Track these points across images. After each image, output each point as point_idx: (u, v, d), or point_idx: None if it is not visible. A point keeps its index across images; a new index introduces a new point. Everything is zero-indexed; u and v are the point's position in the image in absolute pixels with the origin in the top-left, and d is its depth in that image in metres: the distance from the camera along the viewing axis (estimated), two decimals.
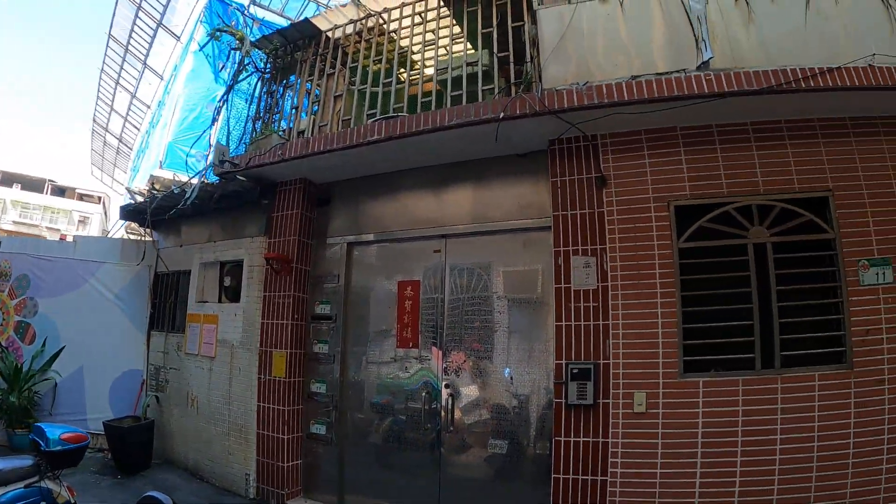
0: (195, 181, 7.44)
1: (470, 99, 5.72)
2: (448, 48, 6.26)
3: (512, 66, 5.70)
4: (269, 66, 7.71)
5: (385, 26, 6.71)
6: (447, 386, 5.63)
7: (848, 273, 4.53)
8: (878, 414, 4.34)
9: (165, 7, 12.86)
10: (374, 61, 6.57)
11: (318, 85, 6.96)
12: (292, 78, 7.47)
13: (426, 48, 6.44)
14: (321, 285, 6.60)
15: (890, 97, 4.49)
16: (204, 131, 8.92)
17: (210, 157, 7.84)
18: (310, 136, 6.49)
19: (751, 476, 4.41)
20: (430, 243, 6.03)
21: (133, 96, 16.57)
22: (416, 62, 6.36)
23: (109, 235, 17.24)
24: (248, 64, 7.76)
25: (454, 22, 6.40)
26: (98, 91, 17.44)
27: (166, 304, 8.39)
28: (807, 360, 4.51)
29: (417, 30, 6.56)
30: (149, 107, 15.91)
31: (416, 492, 5.68)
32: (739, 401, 4.47)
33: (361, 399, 6.21)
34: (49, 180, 47.65)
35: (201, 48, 10.89)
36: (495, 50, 5.85)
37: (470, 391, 5.63)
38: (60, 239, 16.97)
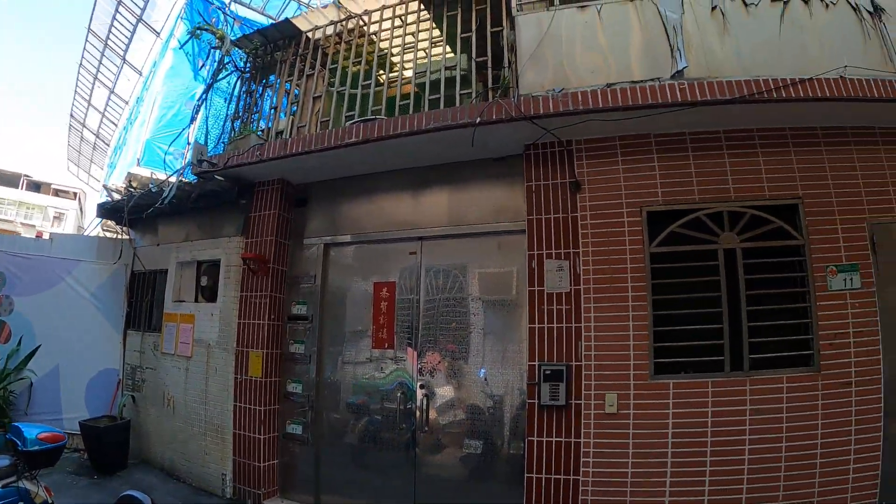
0: (173, 180, 7.40)
1: (448, 103, 5.77)
2: (427, 51, 6.29)
3: (490, 70, 5.75)
4: (248, 65, 7.68)
5: (365, 28, 6.73)
6: (422, 386, 5.68)
7: (816, 278, 4.65)
8: (844, 415, 4.47)
9: (146, 2, 12.77)
10: (353, 63, 6.59)
11: (298, 85, 6.97)
12: (272, 78, 7.46)
13: (405, 51, 6.47)
14: (298, 286, 6.61)
15: (860, 108, 4.62)
16: (182, 129, 8.89)
17: (188, 156, 7.81)
18: (288, 136, 6.51)
19: (720, 476, 4.50)
20: (406, 245, 6.06)
21: (111, 92, 16.42)
22: (395, 65, 6.38)
23: (85, 232, 17.10)
24: (227, 63, 7.73)
25: (434, 25, 6.44)
26: (76, 86, 17.28)
27: (143, 303, 8.33)
28: (775, 362, 4.61)
29: (397, 32, 6.59)
30: (127, 103, 15.76)
31: (392, 492, 5.71)
32: (709, 402, 4.56)
33: (337, 399, 6.22)
34: (24, 175, 46.86)
35: (181, 46, 10.83)
36: (474, 54, 5.88)
37: (445, 392, 5.67)
38: (37, 236, 16.77)
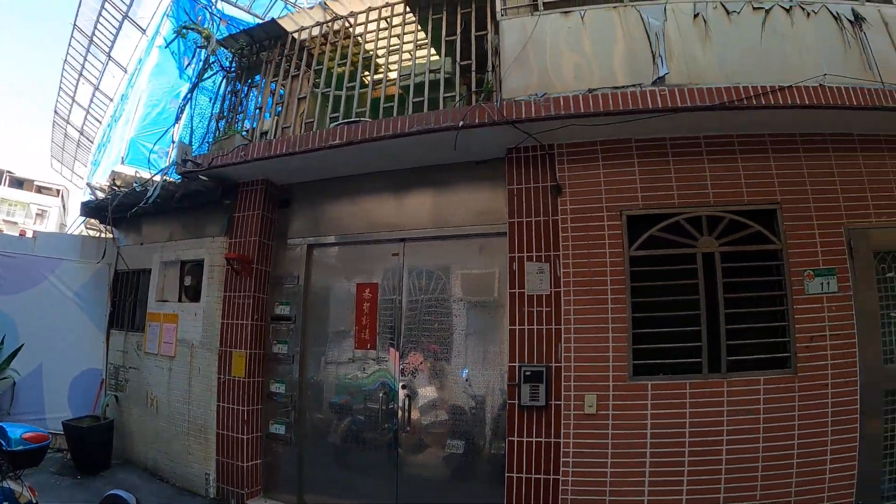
0: (157, 179, 7.40)
1: (431, 106, 5.79)
2: (412, 54, 6.32)
3: (474, 74, 5.78)
4: (234, 65, 7.68)
5: (351, 30, 6.75)
6: (404, 387, 5.72)
7: (794, 282, 4.72)
8: (821, 417, 4.54)
9: None
10: (338, 64, 6.60)
11: (283, 85, 6.98)
12: (257, 78, 7.46)
13: (391, 53, 6.49)
14: (281, 286, 6.62)
15: (839, 115, 4.70)
16: (167, 128, 8.87)
17: (173, 155, 7.80)
18: (273, 137, 6.51)
19: (698, 476, 4.56)
20: (389, 246, 6.09)
21: (96, 88, 16.28)
22: (380, 66, 6.40)
23: (68, 230, 16.94)
24: (213, 62, 7.73)
25: (419, 28, 6.46)
26: (61, 82, 17.14)
27: (126, 302, 8.30)
28: (753, 364, 4.68)
29: (383, 34, 6.60)
30: (111, 100, 15.65)
31: (375, 491, 5.74)
32: (687, 403, 4.62)
33: (320, 399, 6.24)
34: (7, 171, 46.32)
35: (167, 45, 10.78)
36: (458, 58, 5.92)
37: (427, 392, 5.71)
38: (20, 234, 16.64)
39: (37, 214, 44.58)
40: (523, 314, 5.02)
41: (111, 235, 8.79)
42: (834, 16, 4.96)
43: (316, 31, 6.90)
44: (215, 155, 6.42)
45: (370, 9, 6.64)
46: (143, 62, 12.44)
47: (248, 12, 12.03)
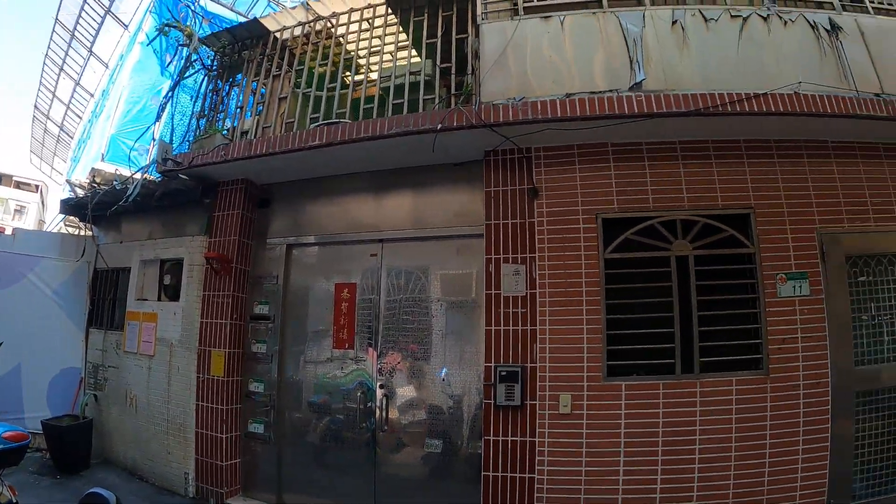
0: (137, 177, 7.36)
1: (411, 108, 5.82)
2: (393, 55, 6.34)
3: (453, 76, 5.82)
4: (216, 63, 7.66)
5: (333, 30, 6.76)
6: (381, 386, 5.75)
7: (766, 285, 4.82)
8: (793, 417, 4.65)
9: None
10: (320, 64, 6.62)
11: (264, 85, 6.97)
12: (238, 77, 7.46)
13: (371, 54, 6.51)
14: (260, 285, 6.62)
15: (813, 122, 4.79)
16: (148, 126, 8.81)
17: (153, 153, 7.77)
18: (253, 137, 6.52)
19: (672, 475, 4.65)
20: (367, 247, 6.11)
21: (77, 84, 16.16)
22: (361, 67, 6.42)
23: (47, 227, 16.83)
24: (195, 60, 7.71)
25: (400, 30, 6.49)
26: (41, 76, 16.99)
27: (105, 301, 8.24)
28: (725, 366, 4.76)
29: (364, 35, 6.64)
30: (92, 95, 15.50)
31: (353, 490, 5.76)
32: (660, 403, 4.71)
33: (299, 398, 6.25)
34: None
35: (149, 42, 10.73)
36: (438, 60, 5.97)
37: (405, 391, 5.74)
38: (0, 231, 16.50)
39: (15, 210, 43.88)
40: (499, 315, 5.07)
41: (91, 233, 8.74)
42: (811, 25, 5.06)
43: (298, 31, 6.91)
44: (196, 154, 6.42)
45: (352, 10, 6.67)
46: (124, 58, 12.34)
47: (231, 10, 12.02)
